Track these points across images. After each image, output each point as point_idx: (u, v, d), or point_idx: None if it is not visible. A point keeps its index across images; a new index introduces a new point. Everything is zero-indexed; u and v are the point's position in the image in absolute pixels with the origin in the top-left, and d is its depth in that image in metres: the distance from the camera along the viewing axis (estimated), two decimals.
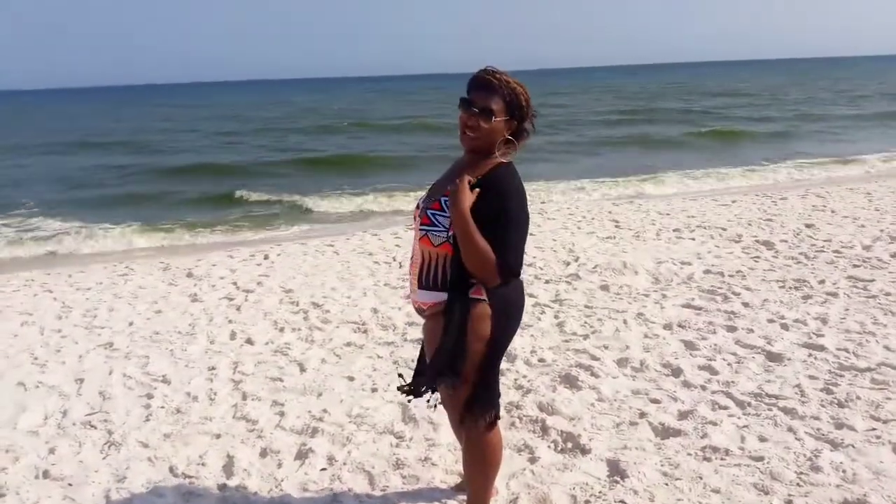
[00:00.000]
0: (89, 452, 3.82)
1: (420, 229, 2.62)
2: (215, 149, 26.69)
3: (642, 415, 3.94)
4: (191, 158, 23.27)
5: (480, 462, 2.82)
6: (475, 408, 2.67)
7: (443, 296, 2.58)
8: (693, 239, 8.34)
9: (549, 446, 3.67)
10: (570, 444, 3.67)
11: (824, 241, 7.91)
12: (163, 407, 4.36)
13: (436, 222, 2.57)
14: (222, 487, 3.43)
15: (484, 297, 2.56)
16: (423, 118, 35.54)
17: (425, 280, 2.62)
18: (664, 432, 3.76)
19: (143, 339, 5.69)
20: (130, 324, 6.10)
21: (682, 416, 3.92)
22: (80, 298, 7.06)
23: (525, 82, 2.59)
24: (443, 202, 2.55)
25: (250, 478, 3.50)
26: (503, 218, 2.47)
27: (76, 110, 68.93)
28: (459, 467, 3.51)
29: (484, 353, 2.60)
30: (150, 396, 4.52)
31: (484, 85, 2.53)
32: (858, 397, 4.01)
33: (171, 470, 3.61)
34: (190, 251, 10.40)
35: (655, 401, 4.12)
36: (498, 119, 2.52)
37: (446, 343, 2.56)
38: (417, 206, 2.72)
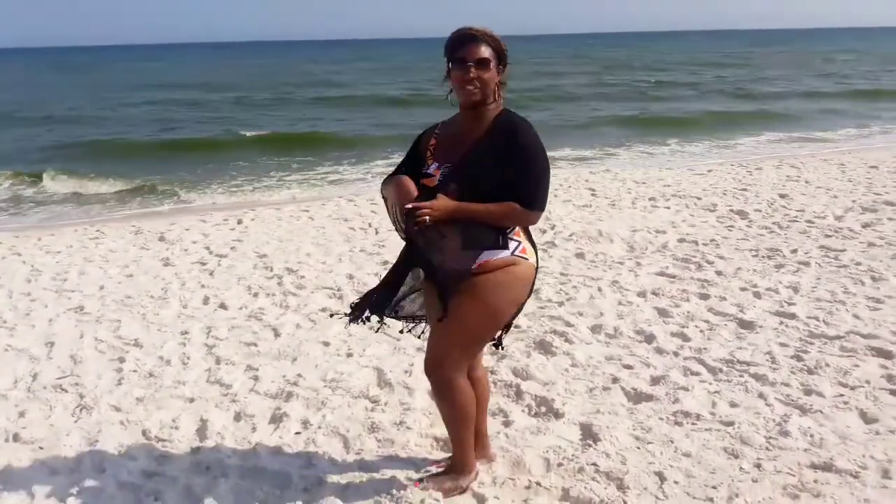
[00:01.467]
0: (60, 416, 3.78)
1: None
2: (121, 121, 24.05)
3: (615, 380, 3.98)
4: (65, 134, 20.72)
5: (452, 407, 2.83)
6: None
7: (494, 253, 2.62)
8: (668, 208, 8.38)
9: (523, 410, 3.69)
10: (543, 409, 3.70)
11: (798, 211, 7.98)
12: (135, 371, 4.32)
13: None
14: (195, 451, 3.42)
15: (531, 258, 2.68)
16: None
17: (470, 240, 2.61)
18: (636, 397, 3.80)
19: (114, 302, 5.62)
20: (101, 287, 6.02)
21: (655, 381, 3.96)
22: (49, 262, 6.94)
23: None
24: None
25: (224, 441, 3.49)
26: (526, 157, 2.58)
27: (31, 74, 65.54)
28: (434, 430, 3.52)
29: (511, 315, 2.75)
30: (121, 360, 4.47)
31: (469, 39, 2.60)
32: (827, 364, 4.07)
33: (144, 433, 3.58)
34: (162, 215, 10.27)
35: (628, 366, 4.16)
36: (492, 66, 2.61)
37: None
38: (428, 175, 2.70)
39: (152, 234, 8.05)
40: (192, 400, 3.93)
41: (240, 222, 8.47)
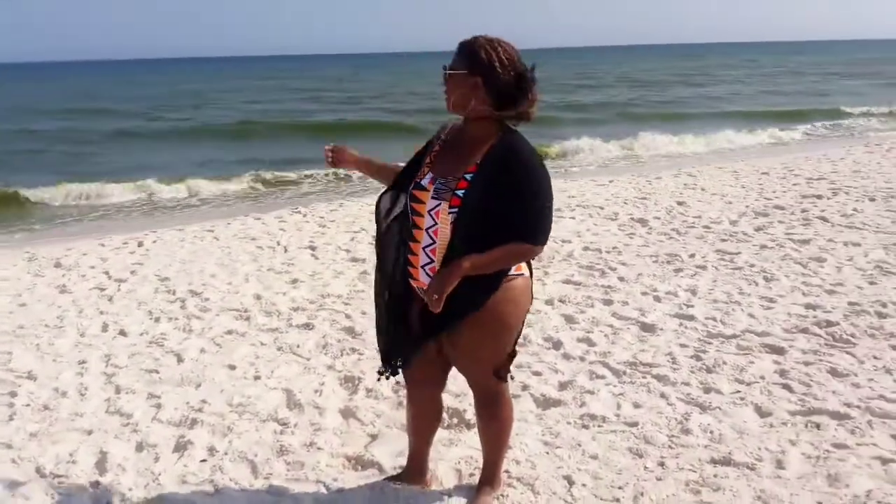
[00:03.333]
0: None
1: (451, 212, 2.49)
2: None
3: (525, 387, 4.03)
4: None
5: (506, 421, 2.92)
6: (502, 372, 2.82)
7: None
8: (573, 218, 8.57)
9: None
10: (455, 420, 3.72)
11: (695, 217, 8.32)
12: (28, 405, 4.09)
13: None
14: (95, 485, 3.26)
15: (524, 271, 2.64)
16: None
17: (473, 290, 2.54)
18: (545, 403, 3.86)
19: (4, 333, 5.32)
20: None
21: (563, 386, 4.04)
22: None
23: None
24: (469, 179, 2.49)
25: (125, 473, 3.35)
26: (525, 188, 2.48)
27: None
28: (345, 450, 3.49)
29: (522, 325, 2.76)
30: (13, 395, 4.23)
31: (456, 49, 2.54)
32: (725, 362, 4.25)
33: (38, 470, 3.39)
34: (58, 240, 9.81)
35: (537, 373, 4.23)
36: (452, 71, 2.49)
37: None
38: (421, 187, 2.58)
39: (47, 259, 7.67)
40: (90, 432, 3.75)
41: (140, 245, 8.17)
